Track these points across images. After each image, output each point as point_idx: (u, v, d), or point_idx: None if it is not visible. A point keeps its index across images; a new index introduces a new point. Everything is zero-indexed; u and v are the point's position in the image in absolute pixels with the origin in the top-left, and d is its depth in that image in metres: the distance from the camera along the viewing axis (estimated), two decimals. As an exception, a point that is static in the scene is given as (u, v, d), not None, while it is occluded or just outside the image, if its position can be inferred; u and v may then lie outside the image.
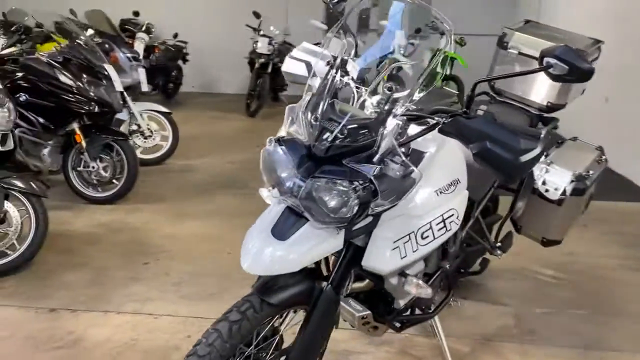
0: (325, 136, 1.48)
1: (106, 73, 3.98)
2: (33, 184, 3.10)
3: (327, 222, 1.46)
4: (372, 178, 1.44)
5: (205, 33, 8.45)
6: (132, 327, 2.59)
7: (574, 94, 2.65)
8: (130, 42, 7.25)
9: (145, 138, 5.01)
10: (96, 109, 3.86)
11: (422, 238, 1.64)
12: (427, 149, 1.78)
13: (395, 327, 2.06)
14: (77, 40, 3.94)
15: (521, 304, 2.91)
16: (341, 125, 1.46)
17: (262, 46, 7.21)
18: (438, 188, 1.72)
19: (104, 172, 4.06)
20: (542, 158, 2.46)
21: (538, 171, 2.41)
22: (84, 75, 3.87)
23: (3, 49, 4.55)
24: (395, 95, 1.58)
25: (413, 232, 1.63)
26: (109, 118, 4.17)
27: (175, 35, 8.13)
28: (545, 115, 2.68)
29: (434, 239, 1.67)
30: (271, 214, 1.57)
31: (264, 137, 1.66)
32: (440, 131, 1.59)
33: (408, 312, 2.04)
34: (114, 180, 4.11)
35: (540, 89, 2.62)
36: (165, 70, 7.79)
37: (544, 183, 2.39)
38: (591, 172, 2.42)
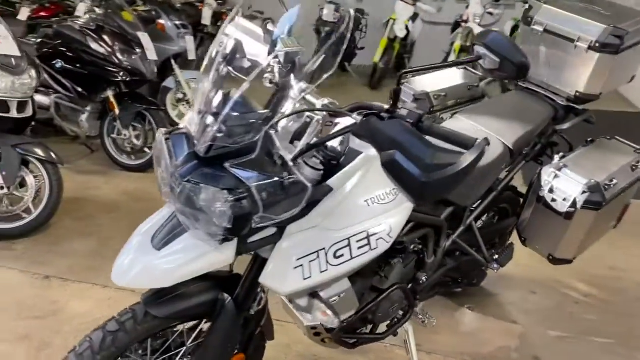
0: (207, 133, 1.27)
1: (140, 41, 3.97)
2: (50, 152, 3.18)
3: (202, 234, 1.26)
4: (252, 187, 1.22)
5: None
6: (112, 303, 2.59)
7: (612, 82, 2.18)
8: (200, 7, 7.29)
9: (191, 106, 5.00)
10: (127, 78, 3.88)
11: (335, 257, 1.39)
12: (366, 149, 1.50)
13: (347, 343, 1.85)
14: (111, 8, 3.95)
15: (533, 323, 2.54)
16: (219, 122, 1.24)
17: (328, 14, 6.90)
18: (370, 197, 1.45)
19: (136, 140, 4.10)
20: (556, 159, 2.07)
21: (546, 176, 2.02)
22: (117, 44, 3.88)
23: (85, 13, 4.60)
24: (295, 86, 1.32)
25: (324, 249, 1.39)
26: (149, 86, 4.18)
27: (250, 7, 8.03)
28: (575, 106, 2.24)
29: (351, 259, 1.41)
30: (159, 216, 1.41)
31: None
32: (354, 134, 1.32)
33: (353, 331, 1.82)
34: (146, 149, 4.15)
35: (568, 75, 2.19)
36: (234, 37, 7.77)
37: (551, 191, 2.00)
38: (615, 181, 1.99)
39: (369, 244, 1.43)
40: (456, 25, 6.79)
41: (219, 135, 1.25)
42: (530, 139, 2.15)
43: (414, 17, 7.24)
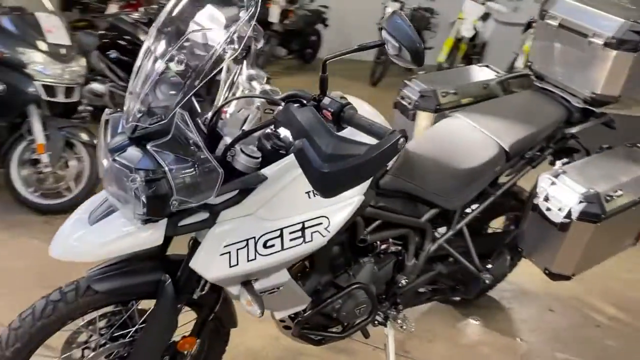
0: (132, 113, 1.30)
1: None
2: (93, 136, 3.38)
3: (129, 213, 1.29)
4: (165, 169, 1.22)
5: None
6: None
7: (634, 83, 1.96)
8: (268, 5, 7.46)
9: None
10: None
11: (265, 247, 1.37)
12: None
13: (311, 339, 1.82)
14: (162, 2, 4.14)
15: (541, 343, 2.35)
16: (138, 101, 1.26)
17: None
18: (312, 189, 1.41)
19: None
20: (557, 165, 1.90)
21: (542, 183, 1.86)
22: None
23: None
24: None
25: (254, 237, 1.36)
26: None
27: (312, 0, 8.11)
28: (592, 109, 2.05)
29: (282, 250, 1.38)
30: (99, 195, 1.45)
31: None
32: (276, 122, 1.28)
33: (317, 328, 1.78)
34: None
35: (584, 75, 2.01)
36: (302, 35, 7.84)
37: (546, 199, 1.83)
38: (620, 192, 1.79)
39: (303, 236, 1.39)
40: (528, 26, 6.43)
41: (139, 115, 1.28)
42: (533, 141, 1.99)
43: (485, 17, 6.93)
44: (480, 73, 2.42)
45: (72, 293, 1.44)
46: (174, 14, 1.37)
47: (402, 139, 1.08)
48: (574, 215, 1.76)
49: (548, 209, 1.82)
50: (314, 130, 1.14)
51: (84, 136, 3.36)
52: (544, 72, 2.16)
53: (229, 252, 1.36)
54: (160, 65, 1.30)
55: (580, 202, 1.75)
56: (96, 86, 4.18)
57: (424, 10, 7.44)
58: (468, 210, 2.01)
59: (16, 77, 3.18)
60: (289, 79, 7.47)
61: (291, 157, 1.37)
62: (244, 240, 1.36)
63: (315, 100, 1.28)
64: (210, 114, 1.40)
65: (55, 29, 3.30)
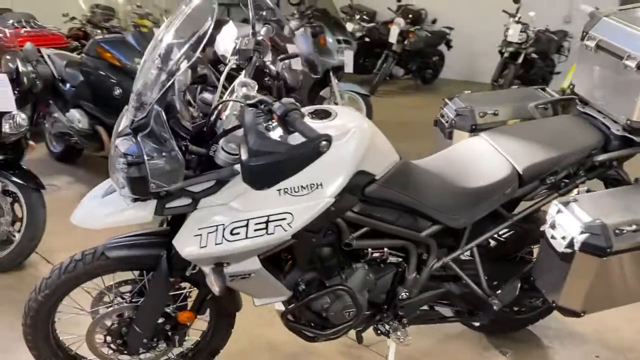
0: (133, 109, 1.55)
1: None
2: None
3: (120, 191, 1.54)
4: (143, 155, 1.45)
5: (470, 19, 8.08)
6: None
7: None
8: (389, 26, 7.63)
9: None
10: (267, 83, 4.39)
11: (232, 234, 1.52)
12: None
13: (305, 335, 1.92)
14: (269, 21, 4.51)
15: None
16: (133, 99, 1.50)
17: (513, 34, 6.52)
18: (284, 187, 1.54)
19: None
20: (574, 193, 1.80)
21: (552, 209, 1.77)
22: (267, 52, 4.42)
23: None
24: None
25: (223, 224, 1.53)
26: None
27: (434, 21, 8.07)
28: (632, 137, 1.89)
29: (245, 238, 1.52)
30: None
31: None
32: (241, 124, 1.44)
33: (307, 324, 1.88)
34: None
35: (621, 99, 1.87)
36: (421, 56, 7.85)
37: (552, 226, 1.74)
38: (636, 227, 1.63)
39: (266, 228, 1.52)
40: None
41: (134, 110, 1.52)
42: (554, 166, 1.88)
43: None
44: (530, 95, 2.33)
45: (90, 256, 1.74)
46: (169, 26, 1.62)
47: (324, 143, 1.16)
48: (576, 246, 1.64)
49: (553, 237, 1.72)
50: (248, 130, 1.29)
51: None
52: (586, 96, 2.03)
53: (201, 235, 1.54)
54: (150, 70, 1.55)
55: (582, 232, 1.63)
56: (206, 96, 4.68)
57: (552, 33, 7.03)
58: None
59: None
60: (403, 99, 7.54)
61: None
62: (215, 226, 1.54)
63: (267, 104, 1.43)
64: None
65: None
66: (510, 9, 6.75)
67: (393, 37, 7.38)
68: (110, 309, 1.83)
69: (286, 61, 4.52)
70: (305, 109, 1.73)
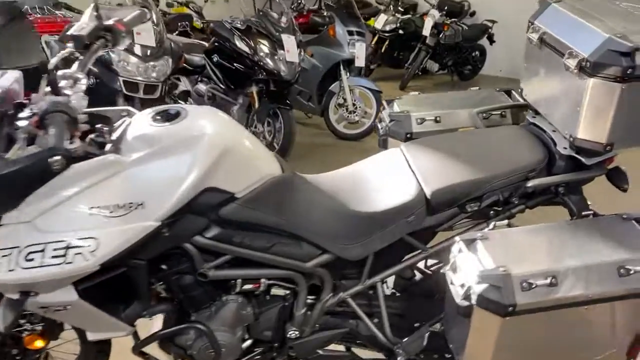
0: None
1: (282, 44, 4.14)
2: None
3: None
4: None
5: (516, 12, 7.42)
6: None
7: (630, 129, 1.34)
8: (424, 17, 7.14)
9: (349, 113, 5.01)
10: (262, 76, 4.12)
11: (26, 260, 1.26)
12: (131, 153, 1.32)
13: None
14: (262, 10, 4.22)
15: None
16: None
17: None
18: (96, 205, 1.27)
19: (268, 135, 4.33)
20: (490, 227, 1.42)
21: (454, 247, 1.39)
22: (260, 44, 4.14)
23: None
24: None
25: (19, 247, 1.27)
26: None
27: (472, 14, 7.46)
28: (579, 158, 1.47)
29: (40, 266, 1.25)
30: None
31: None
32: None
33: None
34: (274, 145, 4.34)
35: (563, 110, 1.45)
36: (458, 50, 7.29)
37: (453, 269, 1.36)
38: (553, 280, 1.24)
39: (65, 255, 1.25)
40: None
41: None
42: (476, 191, 1.49)
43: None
44: (488, 99, 1.92)
45: None
46: None
47: (56, 159, 0.89)
48: (473, 299, 1.26)
49: (452, 283, 1.35)
50: None
51: None
52: (534, 103, 1.62)
53: None
54: None
55: (479, 282, 1.25)
56: (200, 87, 4.48)
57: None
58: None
59: (105, 73, 3.59)
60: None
61: (80, 166, 1.27)
62: (10, 249, 1.28)
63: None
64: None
65: (143, 31, 3.62)
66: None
67: (427, 30, 6.90)
68: None
69: (281, 53, 4.27)
70: (153, 109, 1.45)
